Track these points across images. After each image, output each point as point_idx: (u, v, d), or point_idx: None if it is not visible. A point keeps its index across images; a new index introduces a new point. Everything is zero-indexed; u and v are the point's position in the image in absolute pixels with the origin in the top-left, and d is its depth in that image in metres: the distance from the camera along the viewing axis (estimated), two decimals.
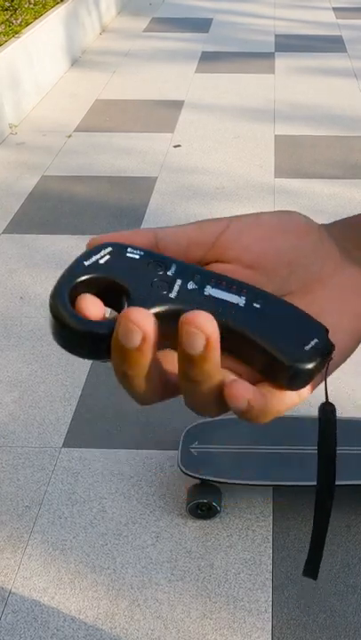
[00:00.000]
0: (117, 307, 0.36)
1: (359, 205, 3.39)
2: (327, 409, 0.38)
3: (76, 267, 0.35)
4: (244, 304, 0.35)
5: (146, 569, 1.74)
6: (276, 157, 3.92)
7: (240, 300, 0.35)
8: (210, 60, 5.65)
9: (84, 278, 0.35)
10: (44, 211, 3.40)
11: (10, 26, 4.75)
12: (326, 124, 4.36)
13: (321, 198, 3.46)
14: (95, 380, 2.32)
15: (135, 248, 0.36)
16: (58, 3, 5.57)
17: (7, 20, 4.80)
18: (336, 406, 0.40)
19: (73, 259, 0.38)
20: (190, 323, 0.31)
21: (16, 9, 4.98)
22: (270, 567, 1.74)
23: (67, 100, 4.87)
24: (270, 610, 1.65)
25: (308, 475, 1.81)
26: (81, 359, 2.41)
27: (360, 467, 1.83)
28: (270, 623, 1.62)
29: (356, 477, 1.80)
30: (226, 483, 1.81)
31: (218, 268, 0.38)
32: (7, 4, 4.92)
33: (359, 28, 6.45)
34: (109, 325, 0.33)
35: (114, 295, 0.35)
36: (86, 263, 0.35)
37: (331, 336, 0.37)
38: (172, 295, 0.35)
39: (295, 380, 0.34)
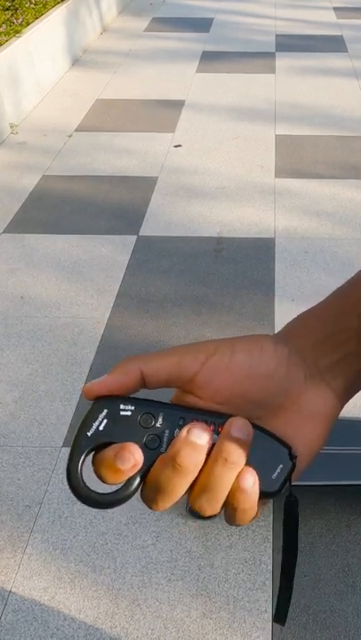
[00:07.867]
0: None
1: (359, 205, 3.39)
2: (290, 500, 0.47)
3: (82, 440, 0.43)
4: None
5: (146, 568, 1.74)
6: (276, 157, 3.92)
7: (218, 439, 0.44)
8: (211, 59, 5.65)
9: (90, 449, 0.43)
10: (45, 210, 3.40)
11: (11, 25, 4.75)
12: (327, 124, 4.36)
13: (321, 198, 3.46)
14: None
15: (126, 402, 0.44)
16: (59, 2, 5.57)
17: (8, 19, 4.80)
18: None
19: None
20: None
21: (17, 8, 4.99)
22: (270, 567, 1.74)
23: (67, 100, 4.87)
24: (270, 610, 1.65)
25: (308, 475, 1.81)
26: (80, 360, 2.41)
27: (360, 467, 1.83)
28: (270, 623, 1.62)
29: (356, 477, 1.80)
30: None
31: (193, 400, 0.46)
32: (8, 3, 4.92)
33: (360, 28, 6.45)
34: (131, 486, 0.43)
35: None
36: (89, 434, 0.43)
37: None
38: (162, 449, 0.44)
39: (266, 497, 0.45)
